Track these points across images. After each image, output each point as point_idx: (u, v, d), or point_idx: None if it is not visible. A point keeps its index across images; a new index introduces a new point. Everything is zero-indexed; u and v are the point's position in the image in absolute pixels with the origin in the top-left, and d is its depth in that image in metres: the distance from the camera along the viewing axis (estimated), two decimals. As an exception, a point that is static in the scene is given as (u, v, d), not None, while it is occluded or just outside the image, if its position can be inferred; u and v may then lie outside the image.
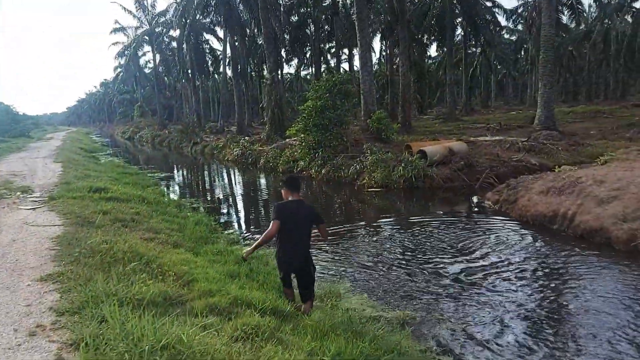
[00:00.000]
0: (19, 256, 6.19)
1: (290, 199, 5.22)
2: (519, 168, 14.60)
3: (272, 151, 21.83)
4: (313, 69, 45.86)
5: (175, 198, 14.65)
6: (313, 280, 5.30)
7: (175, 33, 48.74)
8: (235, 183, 19.71)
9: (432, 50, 56.31)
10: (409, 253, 8.24)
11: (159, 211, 10.80)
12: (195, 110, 46.56)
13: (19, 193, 11.83)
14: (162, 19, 52.14)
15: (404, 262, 7.77)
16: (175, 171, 26.78)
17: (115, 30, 56.15)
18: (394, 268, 7.48)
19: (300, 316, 5.12)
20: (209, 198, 16.48)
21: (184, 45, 41.91)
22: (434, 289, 6.54)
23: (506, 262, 7.48)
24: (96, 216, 8.81)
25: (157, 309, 4.56)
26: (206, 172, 25.15)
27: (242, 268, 6.75)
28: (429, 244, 8.70)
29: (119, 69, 72.45)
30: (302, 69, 55.79)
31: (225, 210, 14.08)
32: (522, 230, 9.12)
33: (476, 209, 11.74)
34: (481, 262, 7.52)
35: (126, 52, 58.68)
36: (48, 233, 7.41)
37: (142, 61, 66.07)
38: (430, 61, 59.61)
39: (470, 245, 8.41)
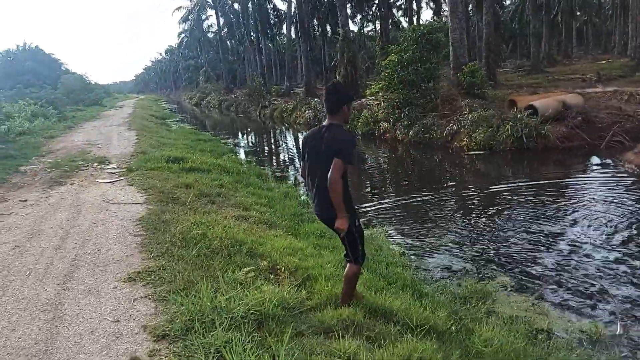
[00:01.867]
0: (100, 244, 5.25)
1: (324, 123, 3.66)
2: (649, 123, 12.37)
3: (348, 112, 20.30)
4: (378, 25, 43.26)
5: (253, 166, 13.61)
6: (354, 240, 3.68)
7: (238, -6, 47.52)
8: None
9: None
10: (556, 230, 6.68)
11: (242, 182, 9.79)
12: (261, 73, 45.52)
13: (96, 164, 11.23)
14: (225, -20, 51.04)
15: (553, 243, 6.23)
16: (247, 137, 25.98)
17: (178, -5, 55.74)
18: (544, 251, 5.98)
19: (464, 337, 3.80)
20: (287, 165, 15.39)
21: (250, 5, 40.53)
22: (612, 282, 4.99)
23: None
24: (179, 191, 7.88)
25: (280, 327, 3.39)
26: (279, 137, 24.13)
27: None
28: (579, 217, 7.08)
29: (182, 35, 72.67)
30: (365, 25, 53.18)
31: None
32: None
33: (615, 174, 9.77)
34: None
35: (190, 16, 58.33)
36: (130, 213, 6.48)
37: (205, 25, 65.86)
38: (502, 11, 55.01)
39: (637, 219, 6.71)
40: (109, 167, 10.88)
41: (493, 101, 15.94)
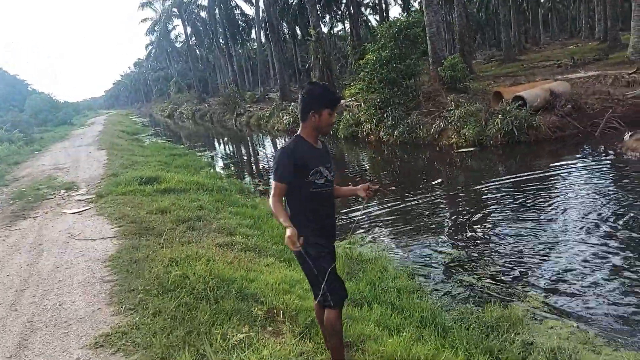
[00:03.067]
0: (63, 296, 4.47)
1: None
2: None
3: (327, 115, 19.61)
4: (348, 25, 42.79)
5: (234, 180, 12.83)
6: (312, 274, 2.93)
7: (204, 1, 46.55)
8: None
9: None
10: (576, 232, 6.09)
11: (223, 201, 9.01)
12: (233, 80, 44.61)
13: (63, 191, 10.36)
14: (189, -12, 49.90)
15: (576, 248, 5.64)
16: (224, 147, 25.11)
17: (142, 5, 54.43)
18: (569, 260, 5.38)
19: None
20: (269, 176, 14.63)
21: (216, 12, 39.61)
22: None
23: None
24: (154, 218, 7.10)
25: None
26: (257, 145, 23.33)
27: (363, 286, 4.85)
28: (599, 216, 6.46)
29: (150, 47, 71.22)
30: (334, 25, 52.76)
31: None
32: None
33: (619, 162, 9.25)
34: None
35: (156, 27, 57.02)
36: (99, 251, 5.70)
37: (172, 35, 64.56)
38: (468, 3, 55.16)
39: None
40: (77, 193, 10.02)
41: (476, 94, 15.47)
